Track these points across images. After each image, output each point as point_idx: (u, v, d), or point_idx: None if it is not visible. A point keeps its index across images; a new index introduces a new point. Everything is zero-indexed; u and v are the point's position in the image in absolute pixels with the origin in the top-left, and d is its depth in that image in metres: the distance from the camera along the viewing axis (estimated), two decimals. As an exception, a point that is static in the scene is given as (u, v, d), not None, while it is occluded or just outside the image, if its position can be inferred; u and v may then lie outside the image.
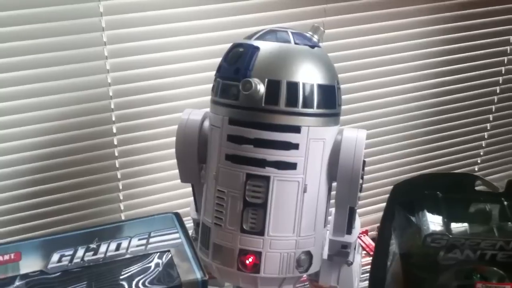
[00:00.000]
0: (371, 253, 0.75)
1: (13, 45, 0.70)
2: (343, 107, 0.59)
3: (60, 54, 0.73)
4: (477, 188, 0.68)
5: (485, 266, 0.64)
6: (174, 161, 0.61)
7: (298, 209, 0.55)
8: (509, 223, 0.64)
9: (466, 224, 0.64)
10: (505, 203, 0.66)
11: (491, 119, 1.11)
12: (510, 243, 0.62)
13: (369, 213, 1.06)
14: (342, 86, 0.59)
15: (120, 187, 0.84)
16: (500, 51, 1.05)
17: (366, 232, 1.02)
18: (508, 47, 1.05)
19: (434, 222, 0.64)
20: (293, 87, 0.52)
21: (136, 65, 0.78)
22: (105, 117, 0.79)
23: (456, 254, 0.63)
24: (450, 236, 0.63)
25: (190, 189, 0.64)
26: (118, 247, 0.57)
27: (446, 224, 0.64)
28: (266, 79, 0.52)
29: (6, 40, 0.70)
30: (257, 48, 0.54)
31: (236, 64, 0.54)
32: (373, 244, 0.92)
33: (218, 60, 0.58)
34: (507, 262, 0.63)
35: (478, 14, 0.99)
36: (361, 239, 0.98)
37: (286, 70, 0.53)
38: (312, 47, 0.56)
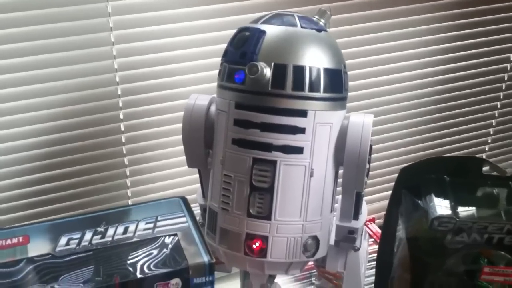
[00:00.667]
0: (378, 240, 0.75)
1: (20, 46, 0.71)
2: (350, 93, 0.59)
3: (68, 39, 0.73)
4: (484, 171, 0.67)
5: (492, 250, 0.63)
6: (181, 147, 0.61)
7: (304, 194, 0.55)
8: (517, 207, 0.64)
9: (473, 208, 0.64)
10: (513, 187, 0.66)
11: (499, 106, 1.11)
12: (517, 227, 0.62)
13: (376, 201, 1.05)
14: (349, 73, 0.58)
15: (127, 174, 0.84)
16: (508, 38, 1.04)
17: (373, 220, 1.02)
18: (516, 34, 1.04)
19: (441, 205, 0.64)
20: (299, 71, 0.52)
21: (142, 51, 0.78)
22: (112, 104, 0.79)
23: (463, 237, 0.63)
24: (457, 219, 0.62)
25: (197, 175, 0.64)
26: (125, 231, 0.57)
27: (453, 208, 0.64)
28: (273, 63, 0.52)
29: (15, 40, 0.70)
30: (263, 32, 0.54)
31: (243, 48, 0.54)
32: (380, 231, 0.91)
33: (224, 45, 0.58)
34: (515, 246, 0.63)
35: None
36: (368, 227, 0.98)
37: (293, 54, 0.52)
38: (319, 31, 0.55)
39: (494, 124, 1.12)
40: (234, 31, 0.57)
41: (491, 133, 1.13)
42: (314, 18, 0.57)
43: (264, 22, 0.55)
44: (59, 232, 0.57)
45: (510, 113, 1.13)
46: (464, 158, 0.79)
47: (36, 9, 0.70)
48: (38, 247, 0.55)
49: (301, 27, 0.55)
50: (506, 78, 1.08)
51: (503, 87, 1.09)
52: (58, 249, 0.54)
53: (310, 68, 0.52)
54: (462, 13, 0.97)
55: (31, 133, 0.76)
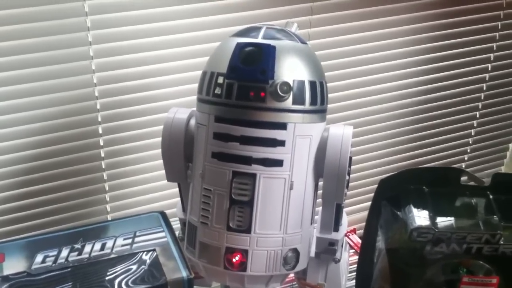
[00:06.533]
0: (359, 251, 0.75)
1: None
2: (329, 105, 0.59)
3: (45, 54, 0.72)
4: (462, 182, 0.68)
5: (471, 259, 0.64)
6: (161, 161, 0.60)
7: (284, 206, 0.54)
8: (495, 216, 0.65)
9: (452, 218, 0.64)
10: (491, 196, 0.67)
11: (477, 116, 1.12)
12: (496, 237, 0.62)
13: (357, 212, 1.06)
14: (329, 85, 0.59)
15: (107, 188, 0.83)
16: (486, 48, 1.06)
17: (354, 231, 1.02)
18: (494, 44, 1.06)
19: (420, 216, 0.64)
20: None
21: (122, 65, 0.77)
22: (90, 118, 0.78)
23: (442, 248, 0.63)
24: (436, 230, 0.63)
25: (177, 189, 0.64)
26: (103, 247, 0.57)
27: (432, 218, 0.64)
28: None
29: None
30: (274, 47, 0.52)
31: (260, 65, 0.52)
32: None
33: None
34: (493, 255, 0.63)
35: (466, 10, 1.00)
36: (349, 238, 0.98)
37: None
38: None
39: (473, 134, 1.14)
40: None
41: (470, 143, 1.14)
42: (289, 31, 0.57)
43: (240, 35, 0.55)
44: (35, 249, 0.56)
45: (488, 123, 1.14)
46: (442, 169, 0.79)
47: (16, 23, 0.70)
48: (13, 265, 0.54)
49: (283, 39, 0.55)
50: (484, 88, 1.10)
51: (482, 97, 1.11)
52: (34, 266, 0.54)
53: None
54: (442, 24, 0.98)
55: (8, 148, 0.75)
